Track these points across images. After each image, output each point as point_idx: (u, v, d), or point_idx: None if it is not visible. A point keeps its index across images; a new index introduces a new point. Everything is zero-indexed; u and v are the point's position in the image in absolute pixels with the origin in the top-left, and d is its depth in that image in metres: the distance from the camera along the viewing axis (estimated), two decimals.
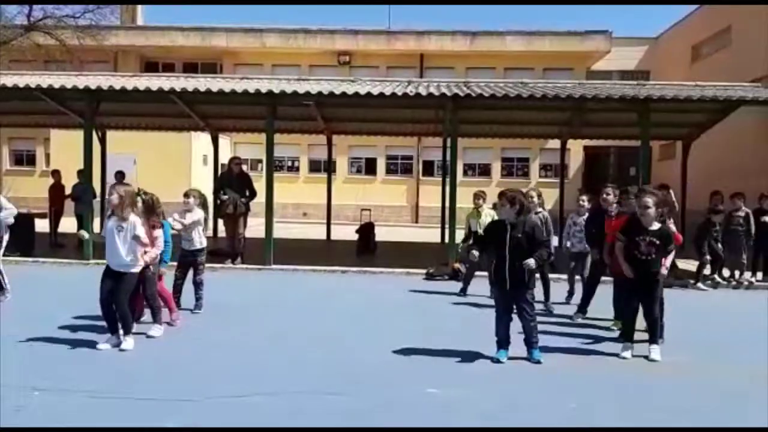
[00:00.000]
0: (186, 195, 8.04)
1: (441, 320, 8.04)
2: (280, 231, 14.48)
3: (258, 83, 12.89)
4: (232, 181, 12.21)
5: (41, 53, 23.75)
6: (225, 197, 12.02)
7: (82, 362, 5.83)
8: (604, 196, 7.90)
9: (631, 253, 6.35)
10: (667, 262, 6.68)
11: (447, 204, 13.43)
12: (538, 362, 6.01)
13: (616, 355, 6.31)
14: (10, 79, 13.07)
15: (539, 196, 8.88)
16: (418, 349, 6.36)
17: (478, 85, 13.13)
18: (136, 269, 6.36)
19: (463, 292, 9.58)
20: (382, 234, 15.75)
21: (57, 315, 7.39)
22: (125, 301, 6.28)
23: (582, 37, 28.05)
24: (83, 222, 13.01)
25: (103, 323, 6.44)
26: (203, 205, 8.17)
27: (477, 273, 9.56)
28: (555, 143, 20.69)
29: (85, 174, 13.11)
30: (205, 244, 8.06)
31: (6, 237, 8.53)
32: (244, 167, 13.57)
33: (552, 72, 27.07)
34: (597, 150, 27.77)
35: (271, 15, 62.25)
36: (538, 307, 8.52)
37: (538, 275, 8.58)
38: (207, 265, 8.36)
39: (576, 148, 26.52)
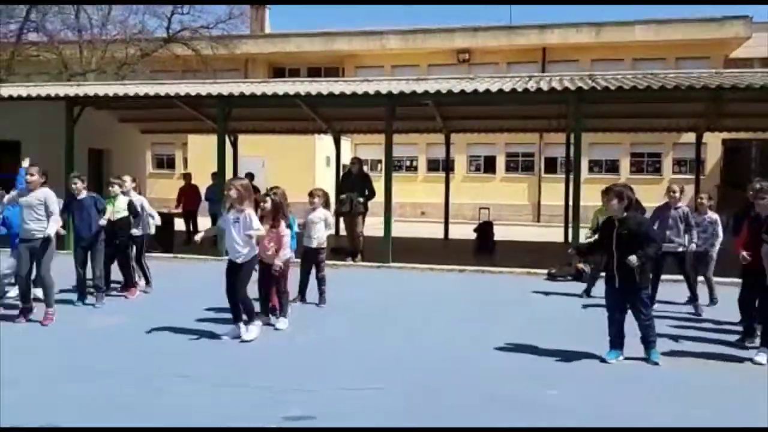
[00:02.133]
0: (311, 194, 8.36)
1: (562, 321, 7.78)
2: (399, 230, 14.61)
3: (377, 84, 13.09)
4: (352, 181, 12.53)
5: (179, 63, 25.55)
6: (343, 196, 12.41)
7: (207, 351, 6.22)
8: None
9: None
10: None
11: (570, 202, 12.98)
12: (656, 363, 5.77)
13: (750, 360, 6.00)
14: (152, 88, 14.13)
15: (681, 191, 8.49)
16: (538, 349, 6.26)
17: (604, 78, 12.57)
18: (252, 258, 6.62)
19: (586, 293, 9.24)
20: (501, 233, 15.48)
21: (191, 307, 7.91)
22: (244, 289, 6.59)
23: (719, 24, 26.08)
24: (217, 221, 13.84)
25: (229, 315, 6.85)
26: (326, 203, 8.45)
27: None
28: (690, 137, 19.41)
29: (218, 176, 13.93)
30: (325, 242, 8.32)
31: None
32: (365, 168, 13.86)
33: (685, 61, 25.38)
34: (737, 143, 25.69)
35: (391, 17, 63.09)
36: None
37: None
38: (329, 262, 8.62)
39: (713, 142, 24.71)
